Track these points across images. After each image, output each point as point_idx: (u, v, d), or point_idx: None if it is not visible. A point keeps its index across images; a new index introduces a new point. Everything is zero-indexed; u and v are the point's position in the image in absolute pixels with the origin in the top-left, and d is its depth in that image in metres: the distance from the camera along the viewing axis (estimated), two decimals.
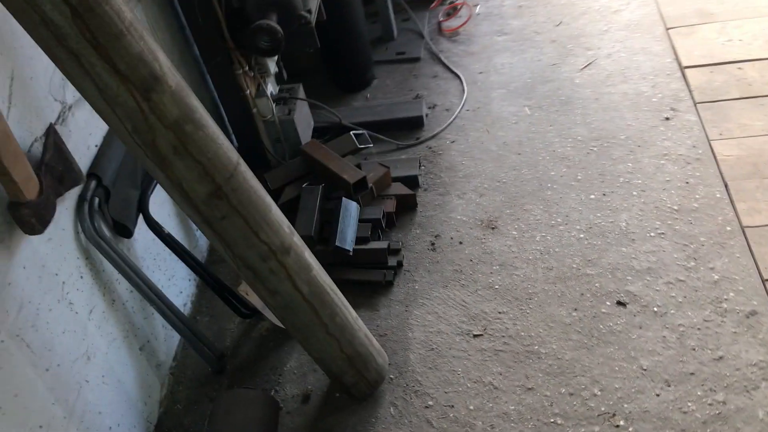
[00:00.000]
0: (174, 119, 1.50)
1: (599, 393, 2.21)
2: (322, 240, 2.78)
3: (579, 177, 2.91)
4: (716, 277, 2.44)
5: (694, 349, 2.25)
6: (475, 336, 2.46)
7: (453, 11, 4.00)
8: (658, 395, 2.16)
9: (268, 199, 1.82)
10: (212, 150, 1.60)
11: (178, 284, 2.63)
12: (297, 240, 1.92)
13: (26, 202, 1.66)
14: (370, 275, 2.69)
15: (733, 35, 3.40)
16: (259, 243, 1.78)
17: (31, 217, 1.67)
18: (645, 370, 2.24)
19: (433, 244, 2.80)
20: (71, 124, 2.00)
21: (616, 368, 2.26)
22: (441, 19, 3.97)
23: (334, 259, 2.71)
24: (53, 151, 1.81)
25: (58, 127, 1.93)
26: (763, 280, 2.38)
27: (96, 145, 2.13)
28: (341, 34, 3.37)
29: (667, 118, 3.06)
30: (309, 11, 2.64)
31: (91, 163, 2.08)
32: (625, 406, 2.15)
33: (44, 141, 1.82)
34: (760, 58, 3.23)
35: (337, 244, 2.62)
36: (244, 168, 1.72)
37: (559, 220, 2.76)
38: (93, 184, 2.03)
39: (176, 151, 1.54)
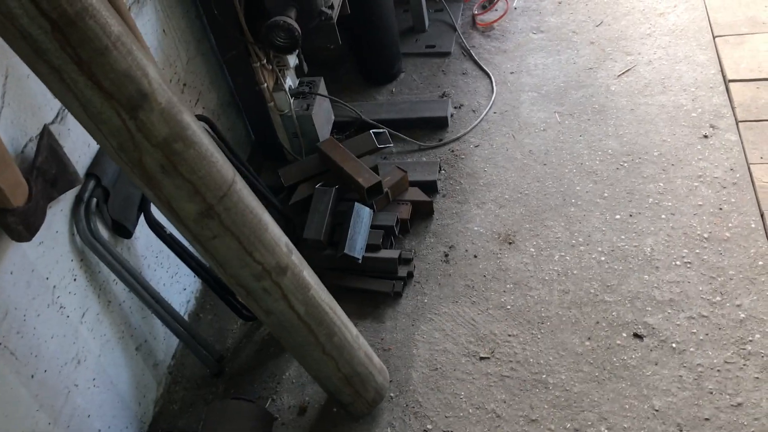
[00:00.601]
0: (162, 138, 1.42)
1: (606, 431, 2.11)
2: (332, 243, 2.69)
3: (605, 194, 2.76)
4: (742, 315, 2.29)
5: (711, 393, 2.13)
6: (481, 358, 2.36)
7: (489, 4, 3.81)
8: None
9: (266, 218, 1.73)
10: (204, 168, 1.52)
11: (181, 281, 2.57)
12: (295, 259, 1.83)
13: (13, 209, 1.60)
14: (378, 285, 2.60)
15: None
16: (252, 263, 1.70)
17: (18, 225, 1.61)
18: (657, 410, 2.12)
19: (446, 255, 2.69)
20: (70, 121, 1.93)
21: (627, 406, 2.15)
22: (476, 12, 3.79)
23: (342, 265, 2.62)
24: (47, 153, 1.74)
25: (56, 126, 1.86)
26: None
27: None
28: (368, 26, 3.24)
29: (706, 136, 2.88)
30: (331, 7, 2.52)
31: (91, 162, 2.01)
32: None
33: (37, 143, 1.75)
34: None
35: (345, 251, 2.53)
36: (240, 186, 1.63)
37: (580, 239, 2.63)
38: (91, 184, 1.96)
39: (164, 170, 1.45)
